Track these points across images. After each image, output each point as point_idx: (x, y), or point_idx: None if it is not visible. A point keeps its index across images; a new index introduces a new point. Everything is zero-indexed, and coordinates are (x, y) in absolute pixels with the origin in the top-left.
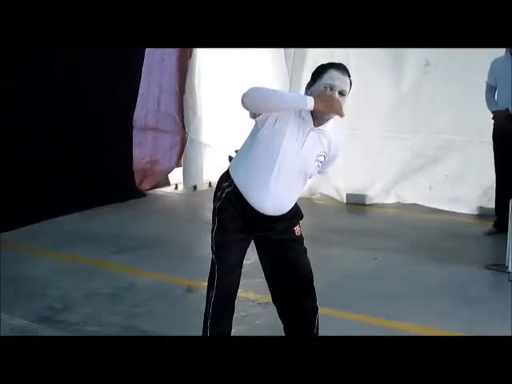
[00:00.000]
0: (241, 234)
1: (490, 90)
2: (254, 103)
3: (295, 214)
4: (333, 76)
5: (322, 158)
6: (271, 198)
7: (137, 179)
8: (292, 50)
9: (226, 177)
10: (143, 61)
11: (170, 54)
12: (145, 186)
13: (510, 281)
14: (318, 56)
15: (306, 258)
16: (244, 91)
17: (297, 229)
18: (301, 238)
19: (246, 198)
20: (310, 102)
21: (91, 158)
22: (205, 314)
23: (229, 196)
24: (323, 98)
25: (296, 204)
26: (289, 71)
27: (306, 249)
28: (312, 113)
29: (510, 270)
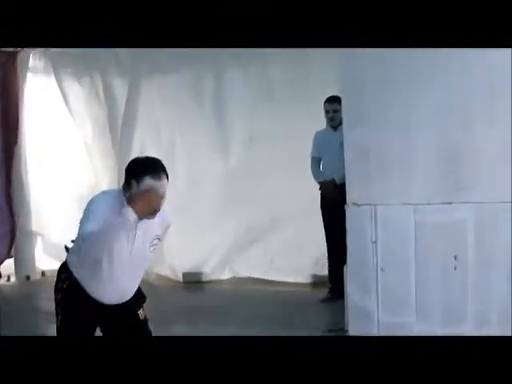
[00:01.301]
0: (85, 323)
1: (315, 161)
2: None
3: (138, 297)
4: (150, 185)
5: (156, 241)
6: (112, 289)
7: None
8: (118, 132)
9: (64, 268)
10: None
11: None
12: None
13: None
14: (144, 142)
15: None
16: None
17: (140, 312)
18: (145, 321)
19: (86, 290)
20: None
21: None
22: None
23: (70, 287)
24: (140, 204)
25: (139, 287)
26: (116, 154)
27: (151, 331)
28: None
29: (349, 333)
